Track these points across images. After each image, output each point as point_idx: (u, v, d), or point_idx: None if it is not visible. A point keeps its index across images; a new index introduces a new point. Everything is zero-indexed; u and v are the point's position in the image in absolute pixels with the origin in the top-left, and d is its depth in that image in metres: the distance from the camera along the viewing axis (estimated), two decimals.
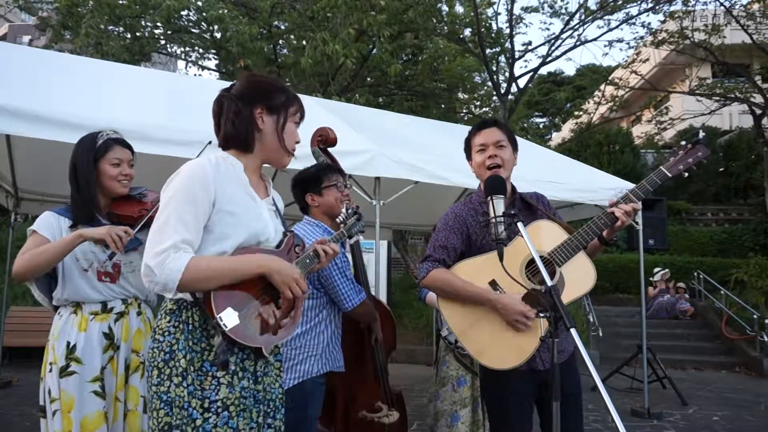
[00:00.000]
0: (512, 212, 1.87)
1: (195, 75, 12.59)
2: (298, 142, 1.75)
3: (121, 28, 10.03)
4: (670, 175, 2.06)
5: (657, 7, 12.19)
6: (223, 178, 1.58)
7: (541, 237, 2.11)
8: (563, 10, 12.57)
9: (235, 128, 1.65)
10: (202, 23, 10.83)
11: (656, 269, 11.20)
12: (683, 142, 2.12)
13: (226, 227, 1.57)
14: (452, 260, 2.20)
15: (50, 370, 2.13)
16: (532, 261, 2.06)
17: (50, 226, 2.19)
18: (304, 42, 8.64)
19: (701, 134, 2.14)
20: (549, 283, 1.63)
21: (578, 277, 2.08)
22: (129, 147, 2.33)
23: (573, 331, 1.51)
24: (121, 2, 9.52)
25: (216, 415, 1.49)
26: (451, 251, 2.21)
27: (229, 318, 1.49)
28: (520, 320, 2.02)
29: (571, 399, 2.06)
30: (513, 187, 2.31)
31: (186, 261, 1.45)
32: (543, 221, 2.19)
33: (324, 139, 2.62)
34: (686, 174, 2.08)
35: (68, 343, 2.12)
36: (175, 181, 1.56)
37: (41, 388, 2.16)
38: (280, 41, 11.59)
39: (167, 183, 1.58)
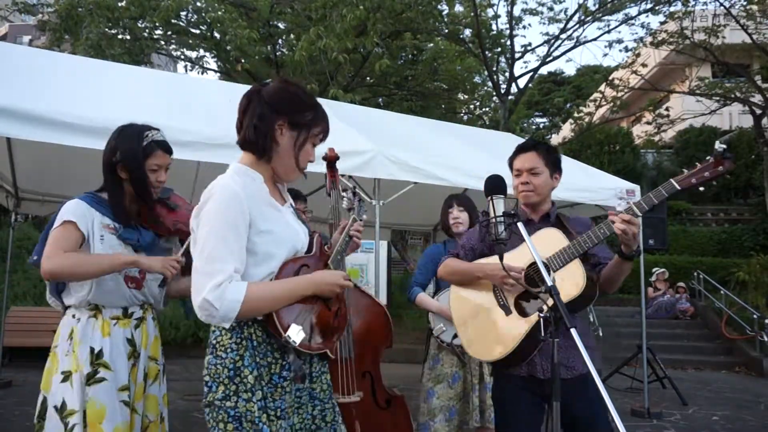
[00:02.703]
0: (512, 212, 1.88)
1: (193, 73, 12.59)
2: (311, 161, 1.73)
3: (118, 30, 10.01)
4: (679, 188, 1.97)
5: (656, 8, 12.19)
6: (252, 197, 1.58)
7: (543, 243, 2.14)
8: (561, 15, 12.59)
9: (255, 133, 1.63)
10: (201, 25, 10.82)
11: (654, 269, 11.19)
12: (708, 158, 1.94)
13: (268, 246, 1.58)
14: (466, 256, 2.38)
15: (64, 379, 1.95)
16: (532, 264, 2.14)
17: (84, 218, 2.01)
18: (300, 40, 8.63)
19: (718, 145, 1.93)
20: (549, 282, 1.64)
21: (566, 284, 2.09)
22: (170, 151, 2.20)
23: (573, 331, 1.52)
24: (120, 4, 9.51)
25: (284, 420, 1.57)
26: (468, 250, 2.40)
27: (295, 334, 1.54)
28: (505, 279, 2.12)
29: (582, 422, 2.05)
30: (552, 203, 2.37)
31: (244, 291, 1.48)
32: (549, 230, 2.22)
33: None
34: (701, 188, 1.95)
35: (92, 349, 1.98)
36: (210, 206, 1.54)
37: (40, 401, 1.98)
38: (279, 41, 11.59)
39: (198, 208, 1.57)
